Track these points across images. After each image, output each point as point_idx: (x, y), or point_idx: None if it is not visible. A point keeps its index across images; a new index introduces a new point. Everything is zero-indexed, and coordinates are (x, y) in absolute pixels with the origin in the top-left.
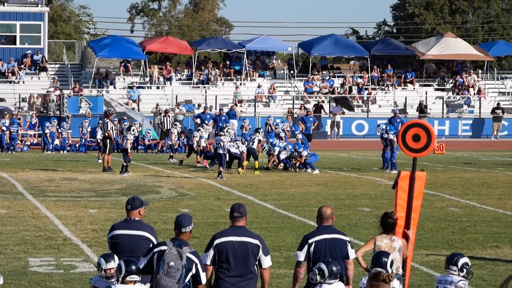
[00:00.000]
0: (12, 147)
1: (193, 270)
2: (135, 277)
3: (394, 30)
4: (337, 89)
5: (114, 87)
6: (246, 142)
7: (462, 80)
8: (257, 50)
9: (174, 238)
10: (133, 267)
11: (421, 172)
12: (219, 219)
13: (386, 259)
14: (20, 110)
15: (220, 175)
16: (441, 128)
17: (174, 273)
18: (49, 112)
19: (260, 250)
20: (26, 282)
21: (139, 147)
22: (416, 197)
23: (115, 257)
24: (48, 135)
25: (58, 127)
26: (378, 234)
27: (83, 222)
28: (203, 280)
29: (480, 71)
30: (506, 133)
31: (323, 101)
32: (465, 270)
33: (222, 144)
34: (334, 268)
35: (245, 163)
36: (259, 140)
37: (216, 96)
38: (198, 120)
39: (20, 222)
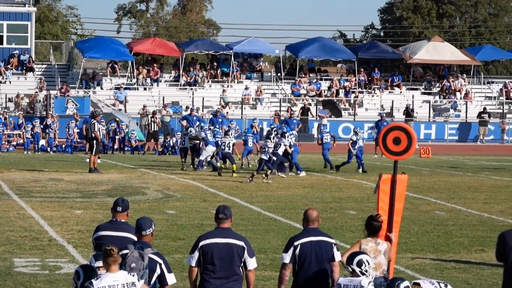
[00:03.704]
0: None
1: (158, 271)
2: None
3: (382, 34)
4: (324, 92)
5: (101, 88)
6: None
7: (449, 84)
8: (245, 52)
9: (136, 241)
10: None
11: (402, 175)
12: (205, 221)
13: (355, 257)
14: (6, 110)
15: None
16: (428, 132)
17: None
18: (36, 113)
19: (245, 251)
20: (11, 282)
21: (126, 148)
22: (398, 200)
23: None
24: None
25: (43, 128)
26: (363, 237)
27: (68, 223)
28: (170, 281)
29: (466, 75)
30: (492, 137)
31: (310, 104)
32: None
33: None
34: None
35: (233, 167)
36: (234, 144)
37: (203, 98)
38: (184, 122)
39: (6, 222)
